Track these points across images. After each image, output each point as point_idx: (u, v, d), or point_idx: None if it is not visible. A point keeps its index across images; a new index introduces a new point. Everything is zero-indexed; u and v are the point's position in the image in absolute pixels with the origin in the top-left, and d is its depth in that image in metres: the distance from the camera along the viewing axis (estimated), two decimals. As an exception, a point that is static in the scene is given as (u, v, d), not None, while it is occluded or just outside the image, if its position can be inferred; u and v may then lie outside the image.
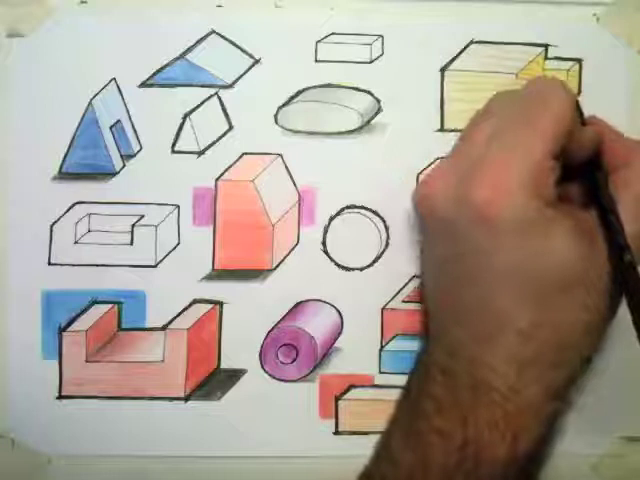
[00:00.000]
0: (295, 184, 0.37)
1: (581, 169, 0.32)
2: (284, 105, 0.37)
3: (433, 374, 0.31)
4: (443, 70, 0.37)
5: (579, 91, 0.37)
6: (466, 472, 0.29)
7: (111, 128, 0.36)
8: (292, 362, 0.37)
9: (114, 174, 0.36)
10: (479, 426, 0.29)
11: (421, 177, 0.36)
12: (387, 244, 0.37)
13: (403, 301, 0.37)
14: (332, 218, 0.37)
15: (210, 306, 0.36)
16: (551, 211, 0.29)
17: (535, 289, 0.29)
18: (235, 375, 0.37)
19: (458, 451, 0.29)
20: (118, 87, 0.36)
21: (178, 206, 0.36)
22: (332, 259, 0.37)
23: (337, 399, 0.37)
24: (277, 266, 0.37)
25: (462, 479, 0.29)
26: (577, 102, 0.32)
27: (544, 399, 0.29)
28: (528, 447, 0.29)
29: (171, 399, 0.36)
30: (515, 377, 0.29)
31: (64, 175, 0.36)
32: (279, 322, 0.37)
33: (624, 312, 0.30)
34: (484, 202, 0.29)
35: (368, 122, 0.37)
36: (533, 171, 0.29)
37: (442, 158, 0.36)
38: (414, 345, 0.36)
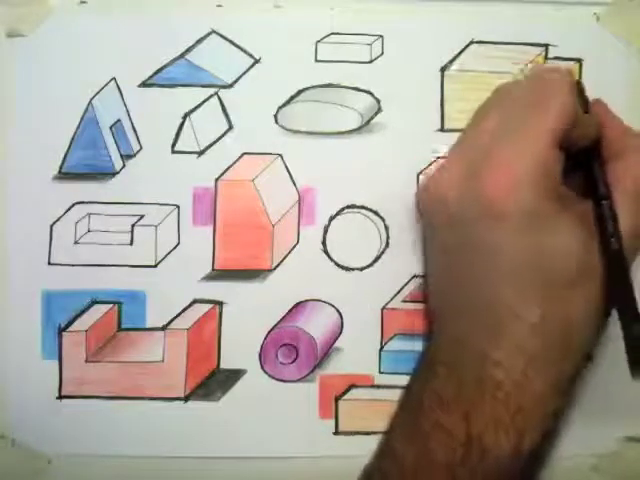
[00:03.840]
0: (295, 184, 0.37)
1: (580, 157, 0.32)
2: (284, 105, 0.37)
3: (436, 369, 0.31)
4: (443, 70, 0.37)
5: (579, 91, 0.37)
6: (471, 468, 0.29)
7: (111, 128, 0.36)
8: (292, 362, 0.37)
9: (114, 174, 0.36)
10: (483, 422, 0.29)
11: (427, 171, 0.36)
12: (387, 244, 0.37)
13: (403, 301, 0.37)
14: (332, 218, 0.37)
15: (210, 306, 0.36)
16: (557, 204, 0.29)
17: (542, 283, 0.29)
18: (235, 375, 0.37)
19: (462, 447, 0.29)
20: (118, 87, 0.36)
21: (178, 206, 0.36)
22: (332, 259, 0.37)
23: (337, 399, 0.37)
24: (277, 266, 0.37)
25: (467, 475, 0.29)
26: (581, 88, 0.32)
27: (549, 395, 0.29)
28: (533, 443, 0.29)
29: (171, 399, 0.36)
30: (521, 372, 0.29)
31: (64, 175, 0.36)
32: (279, 322, 0.37)
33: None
34: (493, 197, 0.29)
35: (368, 122, 0.37)
36: (540, 163, 0.29)
37: (443, 156, 0.36)
38: (414, 345, 0.36)
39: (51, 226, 0.36)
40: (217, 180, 0.36)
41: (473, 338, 0.30)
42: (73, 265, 0.36)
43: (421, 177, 0.37)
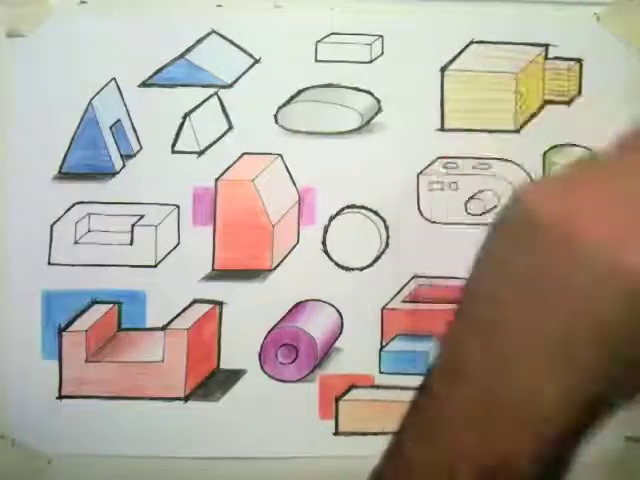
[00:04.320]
0: (295, 184, 0.37)
1: None
2: (284, 105, 0.37)
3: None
4: (443, 70, 0.37)
5: (579, 91, 0.37)
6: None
7: (111, 128, 0.36)
8: (292, 362, 0.37)
9: (114, 174, 0.36)
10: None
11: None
12: (387, 244, 0.37)
13: (403, 301, 0.37)
14: (332, 218, 0.37)
15: (210, 306, 0.36)
16: None
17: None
18: (235, 375, 0.37)
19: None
20: (118, 87, 0.36)
21: (178, 206, 0.36)
22: (332, 259, 0.37)
23: (337, 399, 0.37)
24: (277, 266, 0.37)
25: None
26: None
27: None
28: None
29: (171, 399, 0.36)
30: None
31: (64, 175, 0.36)
32: (279, 322, 0.37)
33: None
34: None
35: (368, 122, 0.37)
36: None
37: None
38: (414, 345, 0.36)
39: (51, 226, 0.36)
40: (217, 180, 0.36)
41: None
42: (73, 265, 0.36)
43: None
